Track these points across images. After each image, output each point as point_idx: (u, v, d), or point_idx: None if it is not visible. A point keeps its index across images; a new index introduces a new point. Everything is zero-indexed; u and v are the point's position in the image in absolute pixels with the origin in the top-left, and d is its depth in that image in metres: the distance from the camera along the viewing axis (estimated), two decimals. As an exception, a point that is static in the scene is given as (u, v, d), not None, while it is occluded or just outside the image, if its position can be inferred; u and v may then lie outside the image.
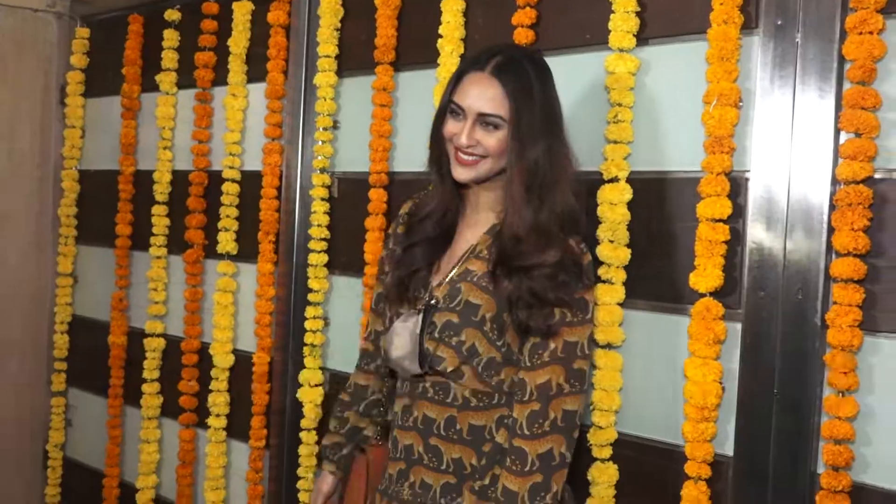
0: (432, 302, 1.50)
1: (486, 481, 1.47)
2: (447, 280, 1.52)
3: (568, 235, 1.47)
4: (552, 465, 1.41)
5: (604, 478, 1.72)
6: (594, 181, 1.74)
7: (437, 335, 1.48)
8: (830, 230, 1.47)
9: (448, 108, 1.49)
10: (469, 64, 1.49)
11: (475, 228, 1.56)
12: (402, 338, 1.50)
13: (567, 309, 1.43)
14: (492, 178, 1.51)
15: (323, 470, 1.75)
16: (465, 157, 1.47)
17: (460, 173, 1.49)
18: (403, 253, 1.58)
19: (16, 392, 3.16)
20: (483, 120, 1.45)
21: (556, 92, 1.50)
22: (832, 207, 1.47)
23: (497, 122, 1.44)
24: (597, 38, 1.77)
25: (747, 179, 1.58)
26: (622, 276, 1.70)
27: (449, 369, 1.47)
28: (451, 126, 1.48)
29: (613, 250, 1.70)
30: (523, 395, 1.44)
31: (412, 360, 1.49)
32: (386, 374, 1.70)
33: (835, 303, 1.45)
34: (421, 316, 1.49)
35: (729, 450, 1.58)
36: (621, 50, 1.71)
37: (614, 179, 1.71)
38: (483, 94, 1.43)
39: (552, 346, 1.43)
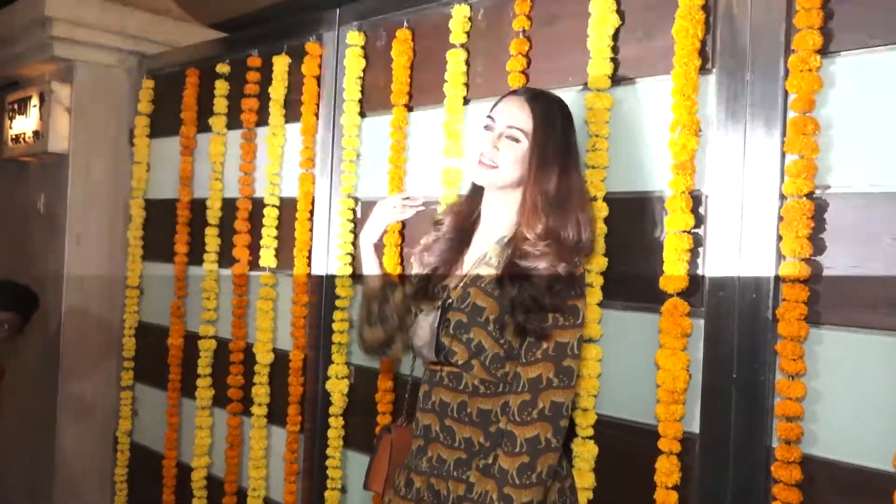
0: (448, 302, 1.50)
1: (489, 460, 1.45)
2: (461, 283, 1.51)
3: (572, 253, 1.44)
4: (538, 448, 1.39)
5: (586, 453, 1.69)
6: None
7: (451, 331, 1.49)
8: (778, 238, 1.45)
9: (484, 125, 1.50)
10: (509, 92, 1.53)
11: (487, 237, 1.55)
12: (424, 329, 1.52)
13: (560, 314, 1.41)
14: (506, 189, 1.51)
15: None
16: (487, 161, 1.49)
17: (478, 174, 1.51)
18: (426, 252, 1.58)
19: (93, 387, 3.16)
20: (508, 132, 1.46)
21: (575, 135, 1.52)
22: (779, 218, 1.45)
23: (519, 136, 1.47)
24: (577, 79, 1.76)
25: (707, 196, 1.56)
26: (600, 280, 1.69)
27: (460, 362, 1.48)
28: (481, 139, 1.51)
29: (593, 258, 1.68)
30: (517, 386, 1.42)
31: (429, 349, 1.50)
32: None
33: (784, 300, 1.44)
34: (439, 313, 1.50)
35: (695, 428, 1.56)
36: (598, 90, 1.70)
37: (593, 199, 1.70)
38: (512, 110, 1.48)
39: (545, 345, 1.41)
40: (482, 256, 1.52)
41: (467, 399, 1.48)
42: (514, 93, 1.50)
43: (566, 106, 1.55)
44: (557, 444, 1.41)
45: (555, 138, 1.46)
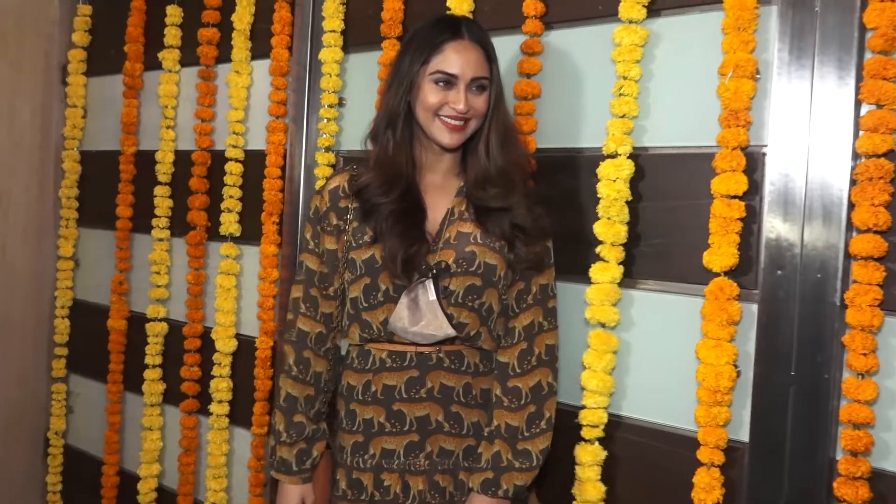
0: (440, 267, 1.57)
1: (492, 426, 1.62)
2: (445, 245, 1.59)
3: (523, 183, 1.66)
4: (542, 394, 1.61)
5: (588, 458, 1.73)
6: (598, 157, 1.74)
7: (459, 300, 1.58)
8: (850, 206, 1.46)
9: (431, 79, 1.58)
10: (443, 34, 1.59)
11: (443, 194, 1.66)
12: (418, 308, 1.57)
13: (546, 242, 1.63)
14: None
15: (295, 484, 1.69)
16: (458, 122, 1.58)
17: (452, 139, 1.60)
18: (388, 226, 1.59)
19: (18, 378, 3.19)
20: (477, 84, 1.58)
21: None
22: (852, 182, 1.46)
23: (485, 84, 1.60)
24: (609, 8, 1.76)
25: (764, 154, 1.57)
26: (618, 253, 1.71)
27: (472, 333, 1.60)
28: (439, 96, 1.58)
29: (609, 227, 1.70)
30: (512, 339, 1.62)
31: (440, 326, 1.56)
32: (335, 355, 1.75)
33: (854, 281, 1.44)
34: (430, 284, 1.57)
35: (744, 436, 1.58)
36: (630, 21, 1.70)
37: (615, 155, 1.70)
38: (471, 59, 1.57)
39: (533, 289, 1.63)
40: (448, 213, 1.63)
41: (471, 380, 1.62)
42: (452, 34, 1.58)
43: None
44: (556, 387, 1.64)
45: (499, 71, 1.63)
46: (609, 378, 1.73)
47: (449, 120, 1.58)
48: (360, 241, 1.62)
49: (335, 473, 1.70)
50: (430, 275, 1.57)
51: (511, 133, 1.64)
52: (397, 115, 1.61)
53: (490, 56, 1.60)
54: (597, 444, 1.74)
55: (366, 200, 1.62)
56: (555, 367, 1.64)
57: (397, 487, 1.62)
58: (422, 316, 1.56)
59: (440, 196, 1.65)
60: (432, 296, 1.56)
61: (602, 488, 1.73)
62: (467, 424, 1.62)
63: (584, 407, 1.74)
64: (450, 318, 1.57)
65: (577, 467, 1.75)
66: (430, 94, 1.57)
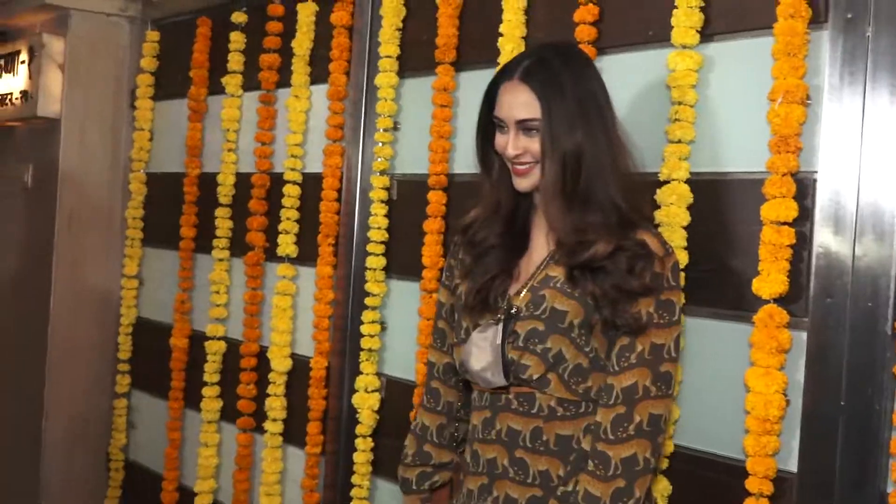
0: (513, 311, 1.53)
1: (570, 487, 1.50)
2: (528, 288, 1.55)
3: (636, 227, 1.50)
4: (635, 469, 1.45)
5: (656, 491, 1.73)
6: (654, 182, 1.77)
7: (521, 344, 1.51)
8: (902, 233, 1.46)
9: (495, 123, 1.56)
10: (500, 75, 1.56)
11: (551, 233, 1.57)
12: (484, 350, 1.54)
13: (652, 298, 1.46)
14: None
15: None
16: (519, 167, 1.53)
17: (519, 183, 1.55)
18: (475, 262, 1.63)
19: (83, 393, 3.34)
20: (522, 126, 1.51)
21: (598, 80, 1.55)
22: (904, 209, 1.46)
23: (535, 126, 1.50)
24: (660, 34, 1.79)
25: (815, 180, 1.58)
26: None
27: (535, 377, 1.50)
28: (500, 140, 1.55)
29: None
30: (609, 398, 1.47)
31: (495, 371, 1.52)
32: (464, 387, 1.73)
33: (906, 310, 1.45)
34: (501, 326, 1.53)
35: (793, 466, 1.58)
36: (684, 46, 1.73)
37: (673, 180, 1.73)
38: (515, 101, 1.51)
39: (639, 347, 1.46)
40: (550, 254, 1.57)
41: (542, 424, 1.52)
42: (505, 74, 1.54)
43: (571, 51, 1.62)
44: (655, 464, 1.48)
45: (568, 104, 1.49)
46: (676, 408, 1.73)
47: (514, 165, 1.54)
48: (460, 277, 1.66)
49: None
50: (501, 317, 1.54)
51: (591, 176, 1.49)
52: (480, 160, 1.62)
53: (542, 95, 1.48)
54: (662, 477, 1.73)
55: (471, 236, 1.65)
56: (656, 441, 1.47)
57: None
58: (484, 358, 1.54)
59: (548, 236, 1.58)
60: (497, 339, 1.53)
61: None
62: (533, 472, 1.51)
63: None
64: (510, 361, 1.51)
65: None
66: (497, 138, 1.55)
